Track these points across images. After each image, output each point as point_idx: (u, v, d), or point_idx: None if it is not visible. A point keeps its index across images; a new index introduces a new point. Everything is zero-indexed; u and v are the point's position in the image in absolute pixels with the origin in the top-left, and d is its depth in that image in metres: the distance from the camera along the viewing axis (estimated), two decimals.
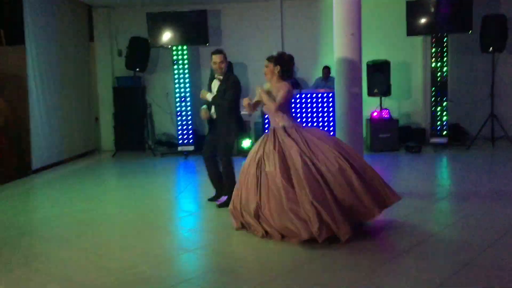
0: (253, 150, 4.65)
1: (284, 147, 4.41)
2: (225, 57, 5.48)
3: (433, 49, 9.18)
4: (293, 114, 4.94)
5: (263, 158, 4.44)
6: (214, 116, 5.54)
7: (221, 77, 5.48)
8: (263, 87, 4.76)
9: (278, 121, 4.63)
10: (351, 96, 5.63)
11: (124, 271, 3.70)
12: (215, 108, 5.50)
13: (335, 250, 4.00)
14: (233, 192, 4.71)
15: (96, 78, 10.67)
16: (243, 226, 4.56)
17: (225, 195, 5.53)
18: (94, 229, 4.88)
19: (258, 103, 4.91)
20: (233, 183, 5.28)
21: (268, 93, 4.68)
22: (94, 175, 8.31)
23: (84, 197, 6.49)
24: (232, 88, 5.43)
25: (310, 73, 10.28)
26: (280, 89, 4.63)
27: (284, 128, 4.56)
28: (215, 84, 5.54)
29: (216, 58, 5.43)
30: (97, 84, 10.68)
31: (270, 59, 4.76)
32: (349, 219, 4.17)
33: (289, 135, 4.49)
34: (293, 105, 8.64)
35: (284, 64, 4.70)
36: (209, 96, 5.48)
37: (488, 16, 8.91)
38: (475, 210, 5.06)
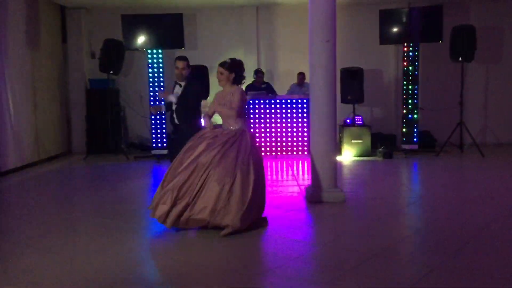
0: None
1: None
2: (187, 64, 5.72)
3: (405, 58, 9.39)
4: (247, 119, 5.17)
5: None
6: (177, 121, 5.81)
7: (182, 83, 5.72)
8: (208, 109, 5.06)
9: (232, 124, 4.84)
10: (326, 102, 5.70)
11: (94, 275, 3.65)
12: (176, 114, 5.75)
13: (307, 254, 4.04)
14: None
15: (69, 80, 10.51)
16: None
17: None
18: (64, 232, 4.80)
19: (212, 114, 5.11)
20: None
21: (214, 110, 4.97)
22: (65, 178, 8.16)
23: (54, 200, 6.37)
24: (193, 94, 5.67)
25: (285, 79, 10.36)
26: (234, 94, 4.86)
27: (230, 132, 4.75)
28: (177, 89, 5.81)
29: (179, 64, 5.67)
30: (69, 86, 10.52)
31: (224, 65, 4.91)
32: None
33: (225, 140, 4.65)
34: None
35: (237, 71, 4.94)
36: (173, 97, 5.70)
37: (458, 27, 9.15)
38: (444, 214, 5.18)
